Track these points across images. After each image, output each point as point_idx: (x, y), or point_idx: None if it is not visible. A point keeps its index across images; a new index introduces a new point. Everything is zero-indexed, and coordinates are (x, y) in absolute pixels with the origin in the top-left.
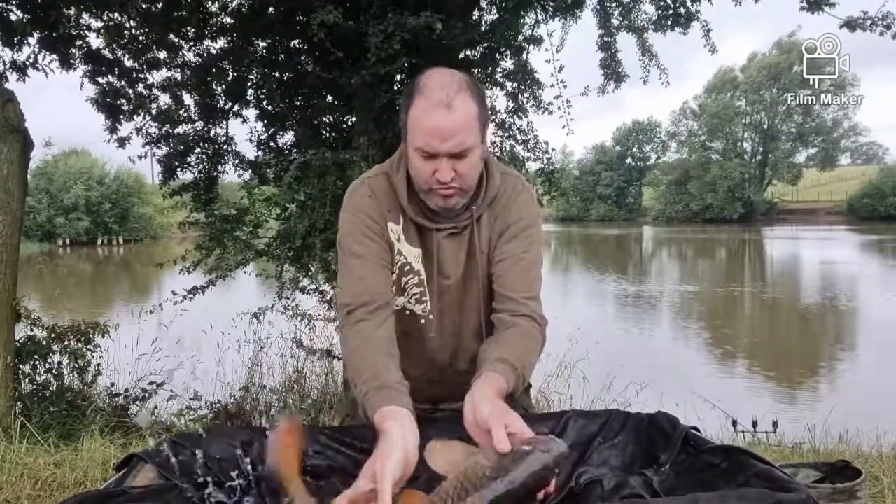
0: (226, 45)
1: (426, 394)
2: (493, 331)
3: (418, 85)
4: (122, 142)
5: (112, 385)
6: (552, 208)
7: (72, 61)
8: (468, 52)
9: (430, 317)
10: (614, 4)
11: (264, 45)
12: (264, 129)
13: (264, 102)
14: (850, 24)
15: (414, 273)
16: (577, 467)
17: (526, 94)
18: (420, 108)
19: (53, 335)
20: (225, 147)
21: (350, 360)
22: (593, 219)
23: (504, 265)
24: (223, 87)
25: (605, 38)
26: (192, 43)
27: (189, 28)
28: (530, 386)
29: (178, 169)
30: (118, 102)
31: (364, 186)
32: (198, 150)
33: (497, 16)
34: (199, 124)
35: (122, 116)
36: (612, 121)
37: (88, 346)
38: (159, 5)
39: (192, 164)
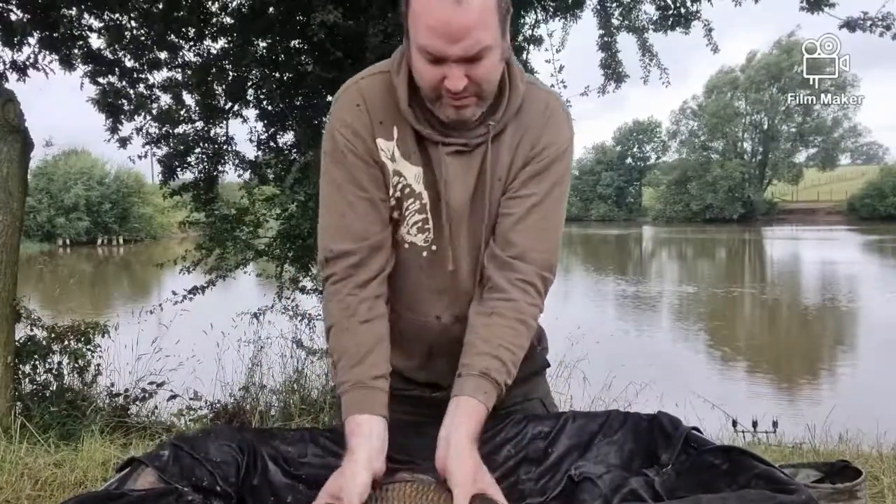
0: (226, 45)
1: (420, 345)
2: (484, 295)
3: None
4: (124, 142)
5: (112, 385)
6: None
7: (72, 61)
8: None
9: (433, 248)
10: (614, 4)
11: (264, 45)
12: (264, 129)
13: (264, 102)
14: (850, 25)
15: (415, 196)
16: (574, 463)
17: None
18: (421, 1)
19: (53, 335)
20: (225, 147)
21: (329, 335)
22: (593, 219)
23: (519, 203)
24: (223, 87)
25: (606, 38)
26: (192, 43)
27: (189, 28)
28: (548, 365)
29: (178, 169)
30: (119, 102)
31: (352, 91)
32: (198, 150)
33: None
34: (199, 124)
35: (122, 116)
36: (613, 121)
37: (88, 346)
38: (159, 5)
39: (192, 164)
